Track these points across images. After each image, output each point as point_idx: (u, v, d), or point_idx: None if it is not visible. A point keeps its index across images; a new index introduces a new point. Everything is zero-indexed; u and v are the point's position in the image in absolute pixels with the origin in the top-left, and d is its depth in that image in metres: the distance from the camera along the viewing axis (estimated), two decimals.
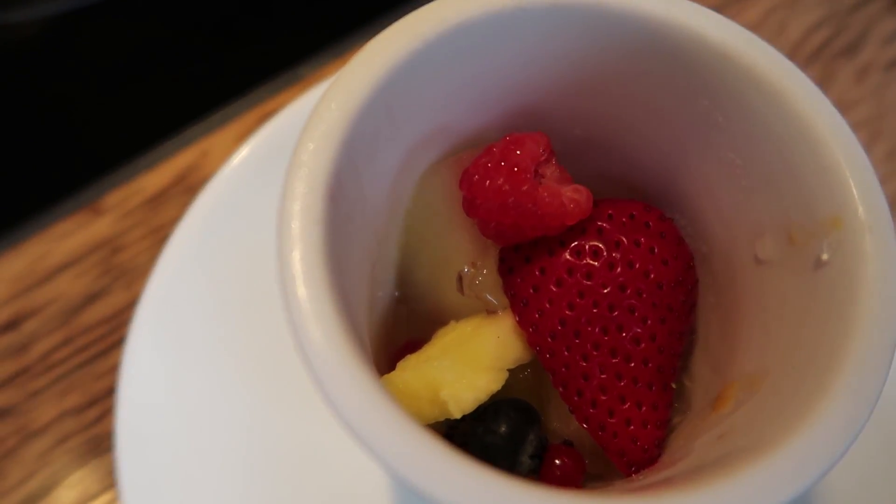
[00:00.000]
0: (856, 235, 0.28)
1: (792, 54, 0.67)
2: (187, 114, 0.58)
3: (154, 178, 0.57)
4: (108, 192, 0.56)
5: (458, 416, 0.35)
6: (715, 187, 0.37)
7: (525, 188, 0.34)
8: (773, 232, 0.33)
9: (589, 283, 0.35)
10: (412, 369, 0.36)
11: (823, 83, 0.66)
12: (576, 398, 0.35)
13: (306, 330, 0.26)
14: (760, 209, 0.34)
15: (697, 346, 0.41)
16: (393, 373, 0.36)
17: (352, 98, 0.30)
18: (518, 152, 0.34)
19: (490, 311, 0.38)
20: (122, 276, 0.54)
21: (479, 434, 0.36)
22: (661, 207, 0.41)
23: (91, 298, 0.54)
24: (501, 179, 0.34)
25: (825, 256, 0.30)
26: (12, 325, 0.53)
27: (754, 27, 0.67)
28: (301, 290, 0.27)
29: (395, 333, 0.43)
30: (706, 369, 0.39)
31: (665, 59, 0.33)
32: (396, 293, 0.43)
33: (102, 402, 0.51)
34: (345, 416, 0.25)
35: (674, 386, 0.35)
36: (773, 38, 0.67)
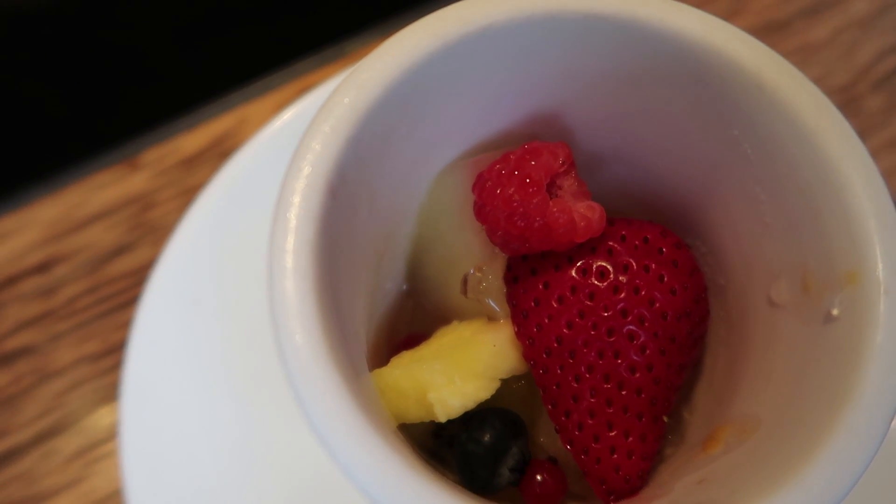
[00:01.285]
0: (870, 295, 0.27)
1: (858, 78, 0.63)
2: (229, 80, 0.58)
3: (191, 139, 0.58)
4: (146, 149, 0.58)
5: (443, 420, 0.35)
6: (737, 219, 0.35)
7: (535, 201, 0.33)
8: (788, 276, 0.32)
9: (591, 303, 0.34)
10: (403, 367, 0.35)
11: (889, 112, 0.63)
12: (563, 418, 0.35)
13: (287, 326, 0.26)
14: (779, 249, 0.33)
15: (703, 377, 0.40)
16: (384, 368, 0.36)
17: (364, 95, 0.29)
18: (533, 163, 0.33)
19: (491, 318, 0.38)
20: (150, 232, 0.55)
21: (462, 441, 0.36)
22: (684, 232, 0.39)
23: (119, 251, 0.55)
24: (512, 189, 0.33)
25: (836, 312, 0.28)
26: (43, 268, 0.55)
27: (821, 47, 0.64)
28: (288, 284, 0.27)
29: (399, 325, 0.43)
30: (708, 403, 0.38)
31: (697, 82, 0.32)
32: (405, 286, 0.43)
33: (118, 352, 0.52)
34: (310, 413, 0.25)
35: (666, 419, 0.34)
36: (840, 60, 0.64)
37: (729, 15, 0.65)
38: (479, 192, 0.35)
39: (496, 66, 0.33)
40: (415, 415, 0.36)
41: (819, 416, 0.26)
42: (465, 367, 0.35)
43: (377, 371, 0.36)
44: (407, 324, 0.43)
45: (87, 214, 0.56)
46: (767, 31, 0.65)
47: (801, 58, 0.64)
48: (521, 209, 0.33)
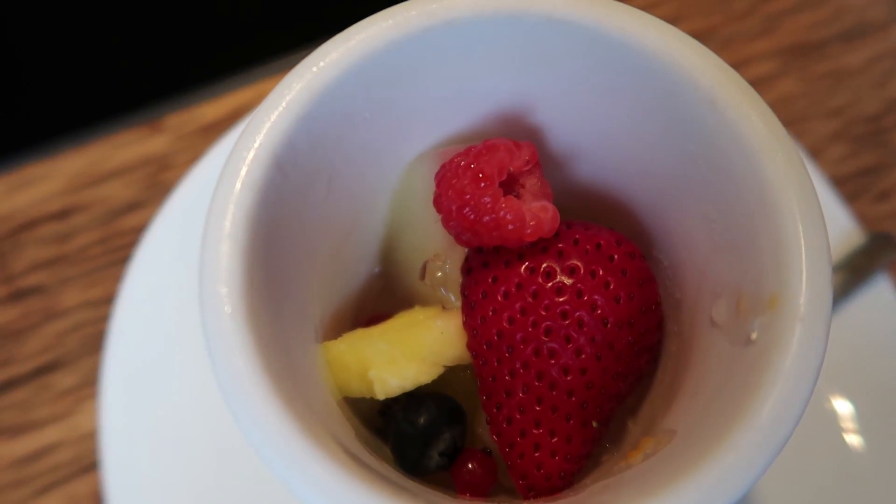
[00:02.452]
0: (786, 321, 0.27)
1: (888, 110, 0.61)
2: (253, 55, 0.61)
3: (213, 108, 0.61)
4: (169, 113, 0.61)
5: (380, 398, 0.36)
6: (693, 236, 0.35)
7: (486, 196, 0.34)
8: (728, 296, 0.32)
9: (533, 302, 0.34)
10: (349, 342, 0.37)
11: None
12: (494, 410, 0.35)
13: (214, 292, 0.27)
14: (723, 269, 0.33)
15: (652, 390, 0.40)
16: (332, 342, 0.37)
17: (322, 76, 0.31)
18: (488, 158, 0.34)
19: (446, 307, 0.39)
20: (163, 192, 0.58)
21: (397, 420, 0.37)
22: (648, 245, 0.39)
23: (132, 207, 0.58)
24: (466, 182, 0.34)
25: (754, 335, 0.28)
26: (61, 215, 0.58)
27: (854, 73, 0.62)
28: (223, 247, 0.28)
29: (367, 306, 0.44)
30: (649, 415, 0.38)
31: (655, 93, 0.32)
32: (377, 269, 0.44)
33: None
34: (225, 392, 0.26)
35: (595, 425, 0.35)
36: (872, 89, 0.62)
37: (760, 34, 0.64)
38: (437, 182, 0.36)
39: (460, 61, 0.33)
40: (356, 389, 0.37)
41: (713, 434, 0.26)
42: (408, 348, 0.37)
43: (325, 343, 0.37)
44: (376, 306, 0.45)
45: (108, 170, 0.59)
46: (799, 53, 0.63)
47: (831, 83, 0.62)
48: (472, 202, 0.34)
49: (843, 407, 0.47)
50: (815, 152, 0.59)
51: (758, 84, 0.63)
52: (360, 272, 0.43)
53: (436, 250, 0.40)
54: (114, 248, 0.57)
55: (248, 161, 0.29)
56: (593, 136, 0.37)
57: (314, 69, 0.30)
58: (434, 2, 0.31)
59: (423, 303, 0.41)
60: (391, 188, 0.40)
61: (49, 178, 0.59)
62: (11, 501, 0.51)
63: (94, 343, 0.54)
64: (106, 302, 0.56)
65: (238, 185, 0.29)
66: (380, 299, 0.45)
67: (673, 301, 0.39)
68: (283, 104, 0.30)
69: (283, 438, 0.25)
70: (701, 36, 0.63)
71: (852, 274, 0.49)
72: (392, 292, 0.44)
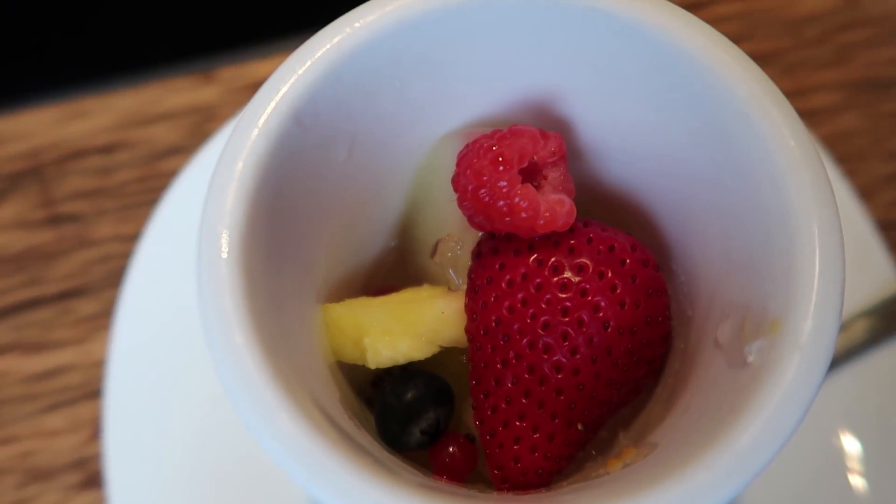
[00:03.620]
0: (785, 348, 0.26)
1: None
2: (308, 22, 0.61)
3: (265, 66, 0.62)
4: (222, 66, 0.62)
5: (371, 366, 0.36)
6: (710, 251, 0.34)
7: (502, 181, 0.33)
8: (734, 317, 0.31)
9: (535, 294, 0.34)
10: (348, 307, 0.37)
11: None
12: (481, 396, 0.35)
13: (213, 233, 0.28)
14: (735, 290, 0.31)
15: (647, 405, 0.39)
16: (332, 304, 0.37)
17: (353, 36, 0.31)
18: (510, 143, 0.33)
19: (451, 288, 0.39)
20: (203, 142, 0.60)
21: (384, 392, 0.37)
22: (668, 257, 0.38)
23: (174, 151, 0.60)
24: (485, 164, 0.34)
25: (751, 358, 0.27)
26: (107, 149, 0.60)
27: None
28: (230, 191, 0.29)
29: (378, 278, 0.45)
30: (639, 428, 0.37)
31: (690, 97, 0.31)
32: (394, 243, 0.44)
33: None
34: (207, 329, 0.26)
35: (580, 427, 0.34)
36: None
37: (829, 63, 0.61)
38: (458, 161, 0.35)
39: (495, 42, 0.33)
40: (349, 355, 0.37)
41: (690, 451, 0.25)
42: (406, 323, 0.36)
43: (326, 305, 0.38)
44: (389, 279, 0.45)
45: (157, 113, 0.61)
46: (866, 88, 0.60)
47: (895, 123, 0.59)
48: (489, 184, 0.33)
49: (853, 447, 0.45)
50: (867, 193, 0.56)
51: (818, 115, 0.61)
52: (376, 243, 0.43)
53: (452, 231, 0.40)
54: (150, 189, 0.59)
55: (267, 110, 0.29)
56: (622, 134, 0.36)
57: (347, 29, 0.31)
58: None
59: (433, 282, 0.40)
60: (416, 164, 0.40)
61: (101, 113, 0.61)
62: (19, 414, 0.53)
63: (118, 275, 0.56)
64: (135, 238, 0.57)
65: (255, 132, 0.29)
66: (393, 273, 0.45)
67: (684, 318, 0.38)
68: (311, 60, 0.30)
69: (254, 383, 0.26)
70: (765, 58, 0.62)
71: (885, 321, 0.46)
72: (405, 268, 0.44)
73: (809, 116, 0.59)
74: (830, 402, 0.46)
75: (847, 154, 0.58)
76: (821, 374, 0.25)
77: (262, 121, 0.29)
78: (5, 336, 0.55)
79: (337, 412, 0.33)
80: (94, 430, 0.51)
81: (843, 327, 0.45)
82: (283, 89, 0.30)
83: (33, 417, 0.52)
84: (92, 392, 0.53)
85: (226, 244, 0.28)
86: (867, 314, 0.46)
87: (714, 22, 0.64)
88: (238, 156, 0.29)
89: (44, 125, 0.61)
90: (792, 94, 0.62)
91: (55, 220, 0.58)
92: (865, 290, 0.47)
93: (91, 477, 0.50)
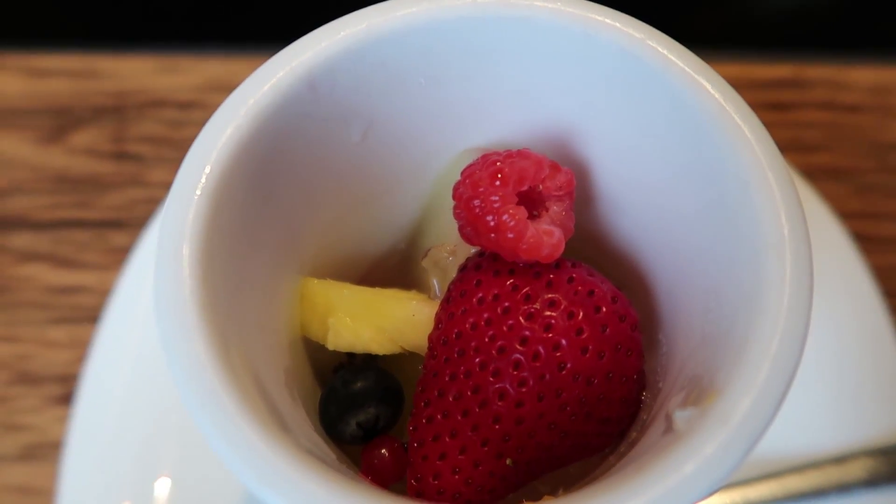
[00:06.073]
0: (711, 420, 0.24)
1: None
2: None
3: None
4: None
5: (330, 347, 0.36)
6: (691, 326, 0.33)
7: (495, 197, 0.33)
8: (687, 389, 0.29)
9: (500, 316, 0.33)
10: (324, 284, 0.37)
11: None
12: (422, 404, 0.34)
13: (192, 171, 0.29)
14: (699, 363, 0.30)
15: (598, 469, 0.37)
16: (310, 278, 0.38)
17: (385, 22, 0.32)
18: (512, 162, 0.33)
19: (431, 297, 0.38)
20: None
21: (337, 377, 0.37)
22: (656, 326, 0.37)
23: None
24: (485, 176, 0.34)
25: (678, 425, 0.25)
26: (185, 105, 0.64)
27: None
28: (224, 134, 0.30)
29: (378, 276, 0.45)
30: (561, 486, 0.35)
31: (700, 159, 0.30)
32: (402, 246, 0.45)
33: None
34: (169, 355, 0.27)
35: (509, 462, 0.33)
36: None
37: None
38: (463, 171, 0.35)
39: (525, 64, 0.33)
40: (314, 332, 0.38)
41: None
42: (374, 314, 0.37)
43: (305, 278, 0.38)
44: (388, 279, 0.45)
45: (235, 83, 0.64)
46: None
47: None
48: (482, 196, 0.33)
49: None
50: None
51: (882, 243, 0.57)
52: (382, 241, 0.44)
53: (450, 243, 0.40)
54: None
55: (282, 69, 0.31)
56: (637, 188, 0.35)
57: (380, 15, 0.32)
58: None
59: (422, 291, 0.40)
60: (434, 172, 0.41)
61: (191, 73, 0.65)
62: (29, 319, 0.56)
63: (155, 219, 0.59)
64: None
65: (265, 87, 0.31)
66: (395, 277, 0.45)
67: (655, 389, 0.36)
68: (337, 35, 0.31)
69: (188, 332, 0.26)
70: (841, 173, 0.59)
71: (891, 466, 0.42)
72: (405, 273, 0.44)
73: (872, 243, 0.56)
74: None
75: None
76: (738, 458, 0.23)
77: (274, 78, 0.31)
78: (42, 246, 0.58)
79: (275, 386, 0.33)
80: (85, 352, 0.53)
81: (840, 460, 0.42)
82: (304, 55, 0.31)
83: (40, 325, 0.55)
84: (98, 318, 0.55)
85: (202, 186, 0.29)
86: (870, 454, 0.42)
87: (795, 126, 0.62)
88: (242, 103, 0.30)
89: (138, 71, 0.65)
90: (860, 217, 0.59)
91: (119, 156, 0.62)
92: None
93: (69, 394, 0.52)
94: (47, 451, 0.51)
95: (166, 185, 0.61)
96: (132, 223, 0.59)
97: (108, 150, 0.62)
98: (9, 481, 0.52)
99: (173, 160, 0.62)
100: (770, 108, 0.62)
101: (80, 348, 0.54)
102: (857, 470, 0.42)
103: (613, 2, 0.33)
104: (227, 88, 0.63)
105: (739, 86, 0.31)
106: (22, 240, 0.59)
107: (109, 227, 0.59)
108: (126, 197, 0.60)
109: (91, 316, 0.55)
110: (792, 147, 0.60)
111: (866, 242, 0.54)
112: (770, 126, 0.31)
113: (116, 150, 0.62)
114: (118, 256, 0.57)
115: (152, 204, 0.59)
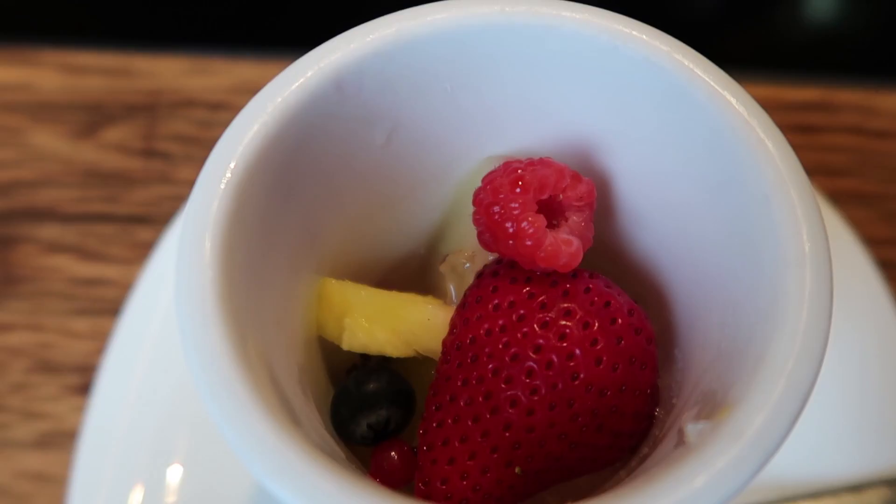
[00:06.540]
0: (723, 434, 0.24)
1: None
2: None
3: None
4: None
5: (344, 347, 0.36)
6: (708, 341, 0.32)
7: (514, 204, 0.33)
8: (701, 404, 0.29)
9: (515, 323, 0.33)
10: (342, 284, 0.38)
11: None
12: (433, 408, 0.34)
13: (219, 167, 0.29)
14: (713, 378, 0.30)
15: (608, 483, 0.36)
16: (329, 278, 0.38)
17: (415, 27, 0.32)
18: (533, 170, 0.33)
19: (447, 302, 0.39)
20: None
21: (350, 378, 0.37)
22: (673, 341, 0.37)
23: None
24: (504, 183, 0.34)
25: (690, 439, 0.25)
26: (215, 106, 0.65)
27: None
28: (251, 131, 0.30)
29: (396, 279, 0.45)
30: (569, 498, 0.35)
31: (720, 173, 0.30)
32: (422, 251, 0.45)
33: None
34: (185, 343, 0.27)
35: (518, 471, 0.32)
36: None
37: None
38: (484, 178, 0.36)
39: (552, 74, 0.34)
40: (330, 332, 0.38)
41: None
42: (390, 317, 0.37)
43: (323, 278, 0.38)
44: (407, 283, 0.45)
45: None
46: None
47: None
48: (502, 202, 0.34)
49: None
50: None
51: None
52: (402, 244, 0.44)
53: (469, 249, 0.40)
54: None
55: (312, 68, 0.31)
56: (653, 198, 0.35)
57: (410, 22, 0.32)
58: (546, 4, 0.32)
59: (440, 297, 0.41)
60: (457, 178, 0.41)
61: (223, 74, 0.66)
62: (53, 308, 0.57)
63: (179, 216, 0.60)
64: None
65: (294, 85, 0.31)
66: (414, 282, 0.45)
67: (668, 406, 0.35)
68: (369, 37, 0.32)
69: (206, 319, 0.27)
70: (866, 199, 0.58)
71: None
72: (423, 278, 0.44)
73: None
74: None
75: None
76: (750, 474, 0.23)
77: (302, 77, 0.31)
78: (70, 238, 0.59)
79: (290, 384, 0.33)
80: (105, 344, 0.54)
81: (857, 488, 0.41)
82: (333, 55, 0.31)
83: (63, 315, 0.56)
84: (119, 310, 0.56)
85: (227, 181, 0.29)
86: (889, 483, 0.41)
87: (823, 150, 0.62)
88: (270, 100, 0.31)
89: (172, 71, 0.67)
90: (886, 243, 0.58)
91: (149, 153, 0.63)
92: None
93: (87, 384, 0.53)
94: (63, 440, 0.52)
95: (192, 184, 0.62)
96: (158, 219, 0.60)
97: (138, 147, 0.64)
98: (24, 468, 0.52)
99: (200, 159, 0.62)
100: (798, 130, 0.62)
101: (101, 340, 0.55)
102: (874, 499, 0.41)
103: (647, 19, 0.33)
104: (256, 91, 0.64)
105: (768, 107, 0.31)
106: (50, 231, 0.60)
107: (135, 222, 0.60)
108: (153, 193, 0.61)
109: (113, 308, 0.56)
110: (819, 171, 0.60)
111: (892, 269, 0.53)
112: (797, 148, 0.30)
113: (146, 148, 0.64)
114: (142, 251, 0.58)
115: (178, 201, 0.60)
